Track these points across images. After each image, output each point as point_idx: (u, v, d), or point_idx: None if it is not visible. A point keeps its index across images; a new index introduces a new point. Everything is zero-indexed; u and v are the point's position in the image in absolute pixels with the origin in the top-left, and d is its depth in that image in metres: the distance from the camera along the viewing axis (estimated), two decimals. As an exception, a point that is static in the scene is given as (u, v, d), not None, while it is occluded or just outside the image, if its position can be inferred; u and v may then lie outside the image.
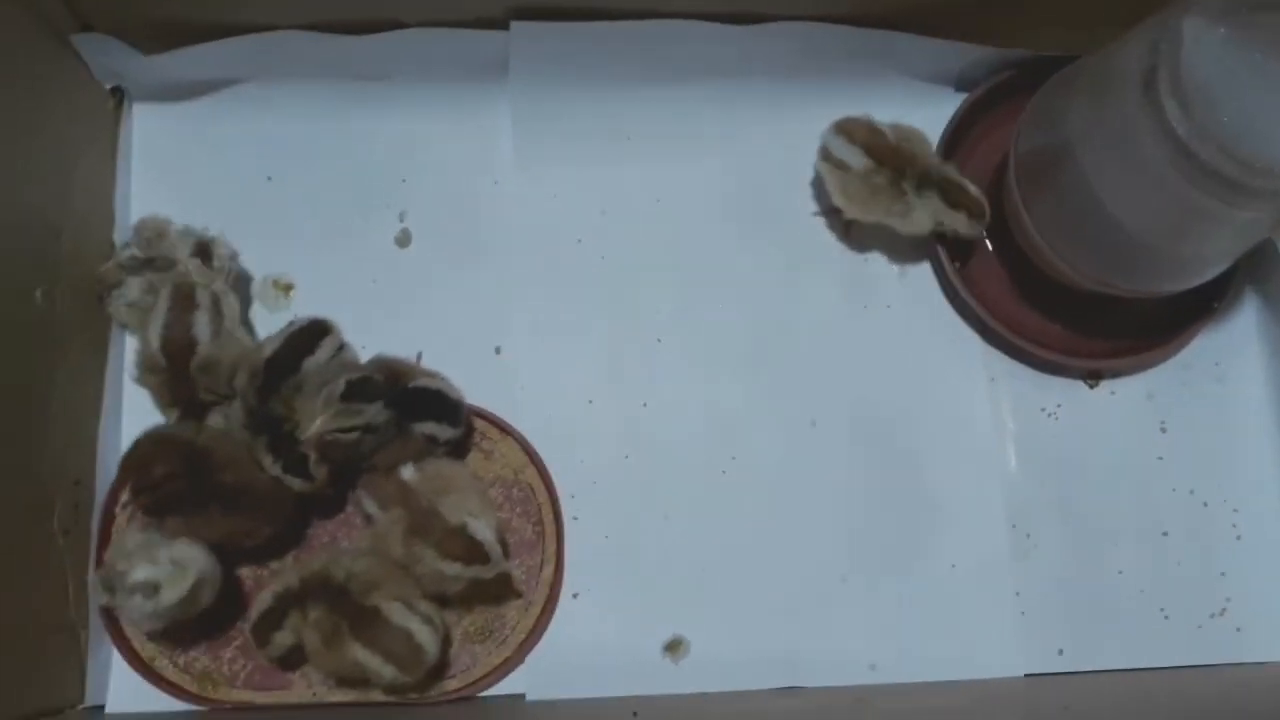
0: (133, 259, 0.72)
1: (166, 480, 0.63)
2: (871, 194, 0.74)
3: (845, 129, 0.76)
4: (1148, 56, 0.59)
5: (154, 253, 0.72)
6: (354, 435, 0.65)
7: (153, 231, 0.73)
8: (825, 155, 0.76)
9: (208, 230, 0.74)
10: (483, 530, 0.65)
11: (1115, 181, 0.64)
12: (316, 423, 0.65)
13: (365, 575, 0.65)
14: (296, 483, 0.67)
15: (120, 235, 0.77)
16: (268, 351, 0.67)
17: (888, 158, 0.74)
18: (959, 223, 0.74)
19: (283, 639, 0.66)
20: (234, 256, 0.74)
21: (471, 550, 0.65)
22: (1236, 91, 0.58)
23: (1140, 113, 0.59)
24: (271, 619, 0.65)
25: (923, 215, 0.74)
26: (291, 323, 0.70)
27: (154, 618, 0.64)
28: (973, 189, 0.74)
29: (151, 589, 0.61)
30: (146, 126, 0.79)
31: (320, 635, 0.65)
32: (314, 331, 0.69)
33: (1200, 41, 0.59)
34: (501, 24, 0.74)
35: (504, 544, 0.67)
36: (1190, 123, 0.58)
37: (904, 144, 0.75)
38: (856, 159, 0.74)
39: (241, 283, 0.76)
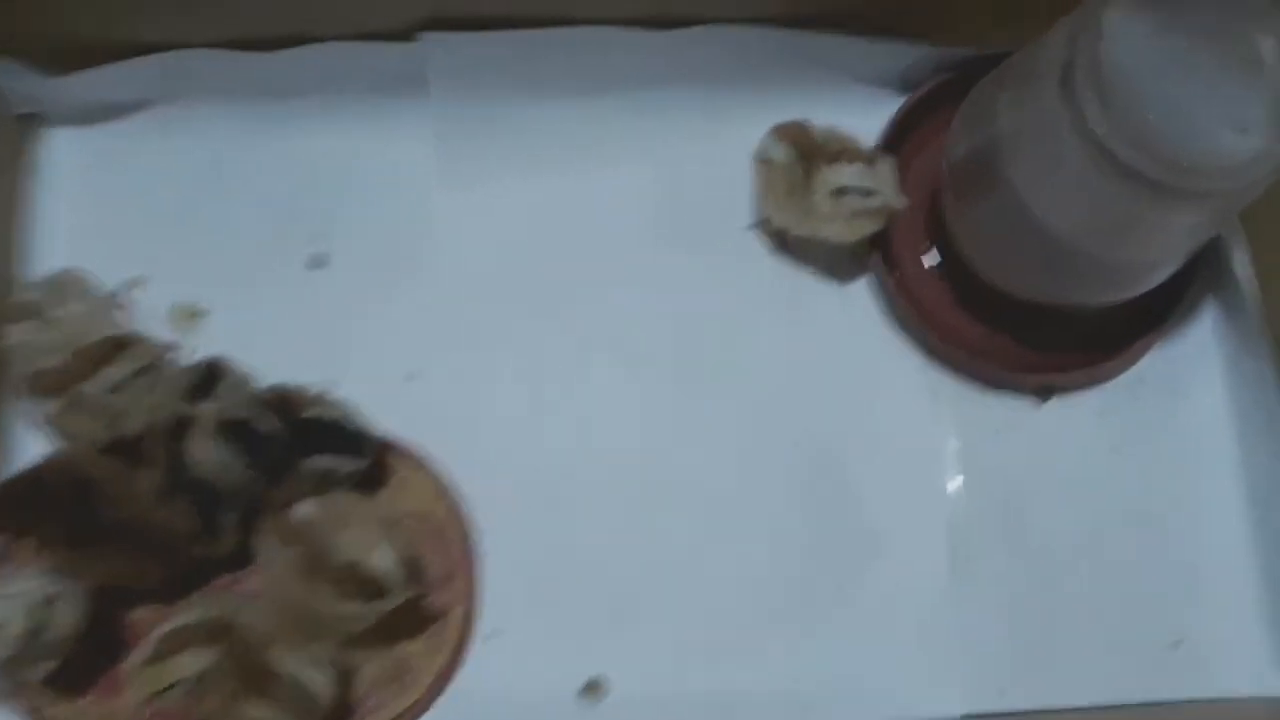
0: (31, 304, 0.69)
1: (29, 527, 0.60)
2: (789, 190, 0.71)
3: (780, 129, 0.73)
4: (1065, 50, 0.55)
5: (53, 304, 0.69)
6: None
7: (63, 290, 0.70)
8: (758, 154, 0.73)
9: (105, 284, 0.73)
10: (380, 561, 0.62)
11: (1041, 185, 0.60)
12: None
13: (258, 627, 0.62)
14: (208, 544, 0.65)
15: (32, 265, 0.75)
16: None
17: (810, 151, 0.71)
18: (852, 175, 0.69)
19: (178, 669, 0.61)
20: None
21: (368, 587, 0.62)
22: (1162, 86, 0.54)
23: (1059, 111, 0.55)
24: (170, 646, 0.61)
25: (821, 198, 0.70)
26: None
27: (24, 664, 0.61)
28: (859, 145, 0.71)
29: None
30: (58, 151, 0.77)
31: (219, 697, 0.62)
32: (207, 380, 0.66)
33: (1123, 33, 0.54)
34: (415, 36, 0.71)
35: (415, 567, 0.64)
36: (1109, 121, 0.53)
37: (831, 141, 0.71)
38: (781, 153, 0.71)
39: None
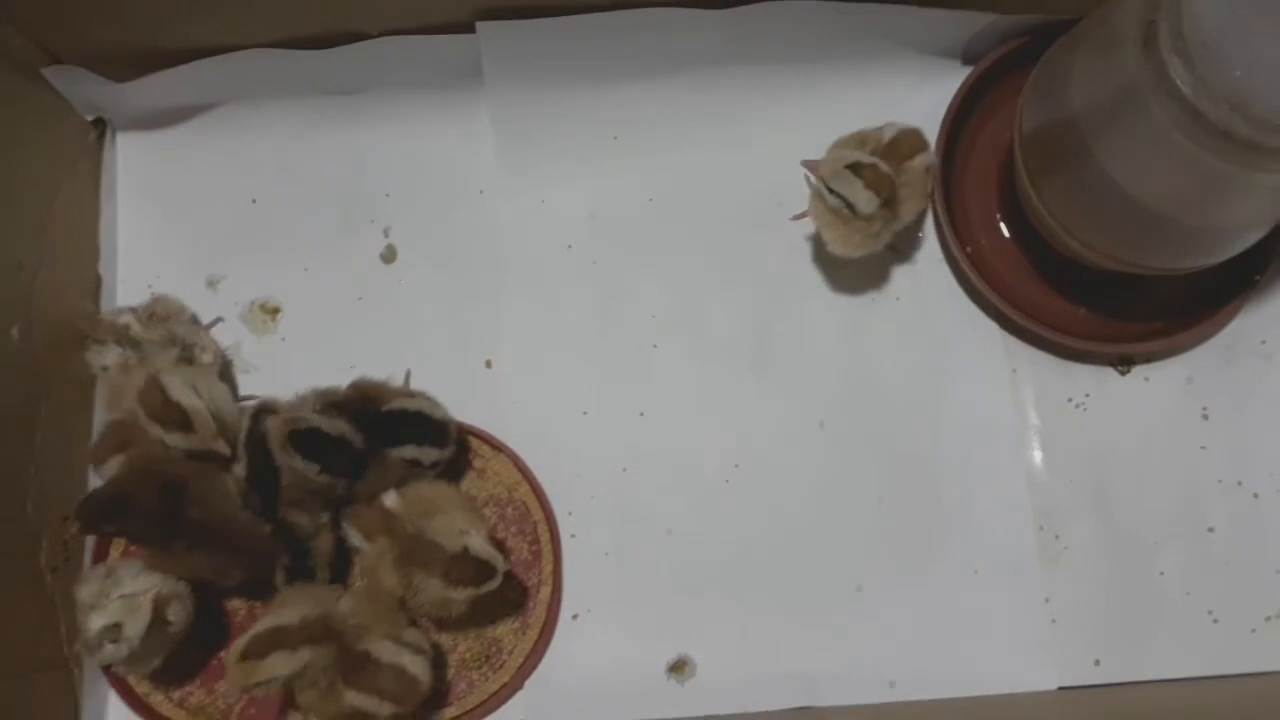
0: (127, 329, 0.70)
1: (120, 533, 0.61)
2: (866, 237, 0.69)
3: (860, 172, 0.67)
4: (1147, 9, 0.54)
5: (149, 335, 0.70)
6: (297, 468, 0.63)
7: (163, 311, 0.72)
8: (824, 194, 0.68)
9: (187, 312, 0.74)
10: (483, 547, 0.63)
11: (1122, 152, 0.58)
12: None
13: (355, 619, 0.63)
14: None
15: (106, 267, 0.76)
16: (243, 473, 0.65)
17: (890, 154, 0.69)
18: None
19: (267, 669, 0.62)
20: (218, 354, 0.73)
21: (480, 571, 0.63)
22: (1248, 43, 0.52)
23: (1141, 72, 0.54)
24: (259, 647, 0.62)
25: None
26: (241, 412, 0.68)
27: (139, 659, 0.62)
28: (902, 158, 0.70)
29: (114, 632, 0.60)
30: (130, 155, 0.79)
31: (317, 690, 0.63)
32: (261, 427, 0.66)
33: (1206, -11, 0.53)
34: (470, 27, 0.71)
35: (501, 550, 0.65)
36: (1195, 79, 0.52)
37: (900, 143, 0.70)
38: (866, 202, 0.67)
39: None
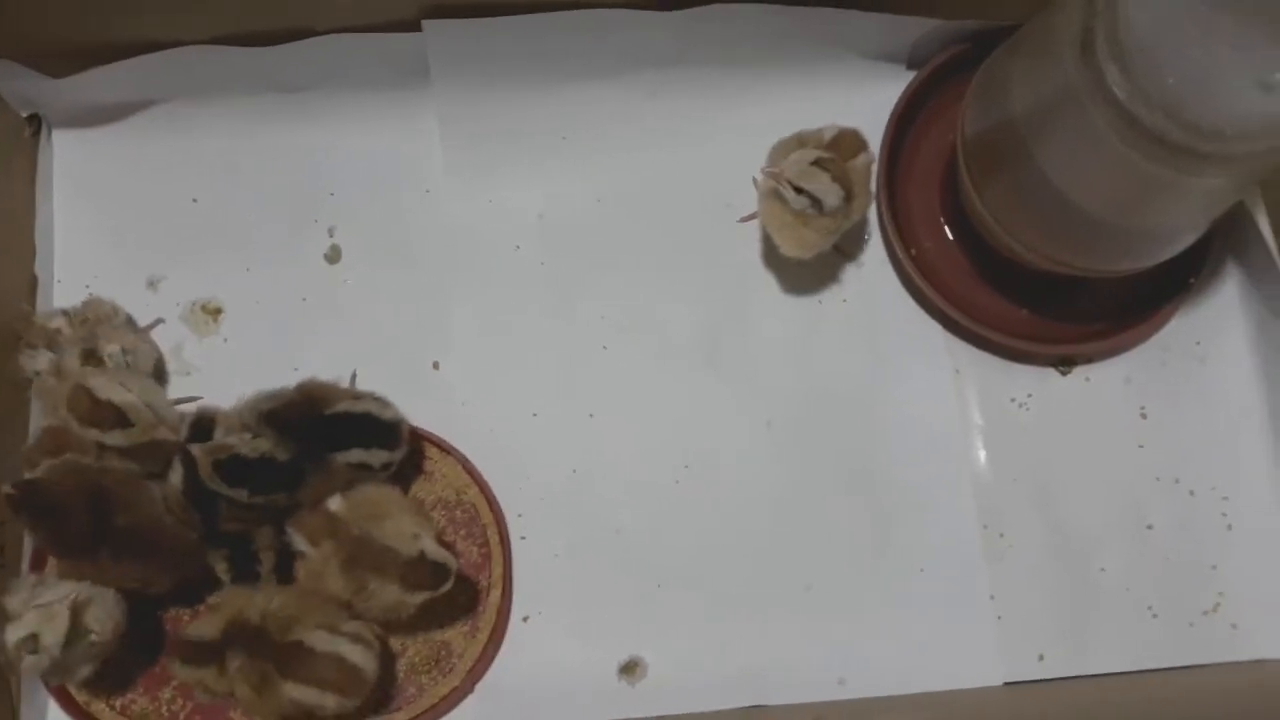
0: (58, 333, 0.69)
1: (44, 540, 0.60)
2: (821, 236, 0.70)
3: (827, 166, 0.67)
4: (1084, 15, 0.55)
5: (79, 337, 0.69)
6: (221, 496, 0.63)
7: (95, 315, 0.71)
8: (784, 195, 0.67)
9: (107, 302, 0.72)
10: (437, 550, 0.63)
11: (1060, 155, 0.59)
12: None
13: (281, 612, 0.62)
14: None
15: (42, 267, 0.75)
16: (179, 485, 0.64)
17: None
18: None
19: (194, 676, 0.62)
20: (149, 355, 0.71)
21: (436, 574, 0.63)
22: (1182, 50, 0.53)
23: (1079, 77, 0.55)
24: (188, 653, 0.62)
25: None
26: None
27: (65, 668, 0.61)
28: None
29: (32, 642, 0.58)
30: (67, 153, 0.77)
31: (249, 685, 0.62)
32: (201, 435, 0.65)
33: (1142, -3, 0.54)
34: (417, 25, 0.71)
35: (449, 550, 0.64)
36: (1131, 85, 0.53)
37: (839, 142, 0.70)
38: (834, 196, 0.67)
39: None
